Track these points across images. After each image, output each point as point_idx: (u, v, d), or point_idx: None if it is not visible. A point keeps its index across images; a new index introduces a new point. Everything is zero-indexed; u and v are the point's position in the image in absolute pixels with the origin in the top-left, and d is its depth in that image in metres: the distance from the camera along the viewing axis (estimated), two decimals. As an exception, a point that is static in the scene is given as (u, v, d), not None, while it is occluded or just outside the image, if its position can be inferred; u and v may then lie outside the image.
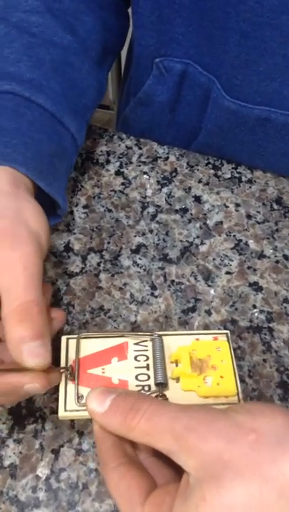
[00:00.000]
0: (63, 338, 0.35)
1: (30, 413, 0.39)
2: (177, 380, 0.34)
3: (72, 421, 0.39)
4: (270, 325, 0.45)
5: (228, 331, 0.36)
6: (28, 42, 0.43)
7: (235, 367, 0.34)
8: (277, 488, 0.23)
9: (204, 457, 0.25)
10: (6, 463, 0.37)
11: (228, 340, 0.36)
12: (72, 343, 0.35)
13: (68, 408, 0.32)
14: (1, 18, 0.44)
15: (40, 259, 0.34)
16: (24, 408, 0.39)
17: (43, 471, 0.37)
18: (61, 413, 0.32)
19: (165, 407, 0.27)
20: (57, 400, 0.39)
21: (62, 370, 0.33)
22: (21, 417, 0.39)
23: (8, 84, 0.40)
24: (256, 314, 0.45)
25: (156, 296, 0.46)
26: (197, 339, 0.36)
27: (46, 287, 0.37)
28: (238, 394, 0.33)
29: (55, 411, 0.39)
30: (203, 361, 0.34)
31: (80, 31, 0.48)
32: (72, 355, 0.34)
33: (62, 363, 0.34)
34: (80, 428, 0.39)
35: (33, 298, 0.31)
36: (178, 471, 0.30)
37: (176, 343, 0.35)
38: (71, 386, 0.33)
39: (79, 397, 0.32)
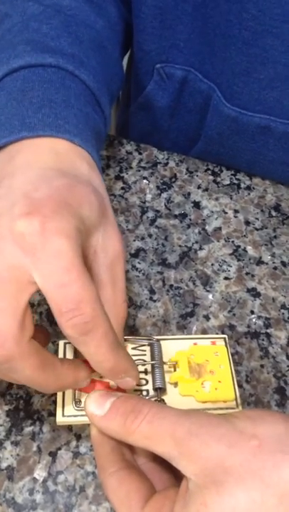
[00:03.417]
0: (61, 343, 0.35)
1: (28, 415, 0.39)
2: (175, 384, 0.34)
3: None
4: (268, 331, 0.45)
5: (225, 336, 0.37)
6: (65, 20, 0.42)
7: (233, 372, 0.34)
8: (278, 494, 0.23)
9: (205, 463, 0.25)
10: (4, 465, 0.37)
11: (226, 345, 0.36)
12: (70, 347, 0.35)
13: (66, 414, 0.32)
14: (33, 1, 0.43)
15: None
16: (22, 410, 0.39)
17: (40, 474, 0.37)
18: (59, 419, 0.32)
19: (166, 411, 0.27)
20: (55, 402, 0.39)
21: None
22: (19, 419, 0.39)
23: (51, 57, 0.38)
24: (254, 320, 0.46)
25: (154, 301, 0.46)
26: (195, 344, 0.36)
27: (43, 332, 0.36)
28: (236, 399, 0.33)
29: (53, 413, 0.39)
30: (201, 366, 0.34)
31: (108, 19, 0.48)
32: None
33: None
34: (78, 431, 0.38)
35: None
36: (177, 477, 0.30)
37: (174, 347, 0.35)
38: (69, 391, 0.32)
39: (77, 402, 0.32)
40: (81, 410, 0.31)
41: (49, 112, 0.35)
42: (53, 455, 0.37)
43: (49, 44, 0.40)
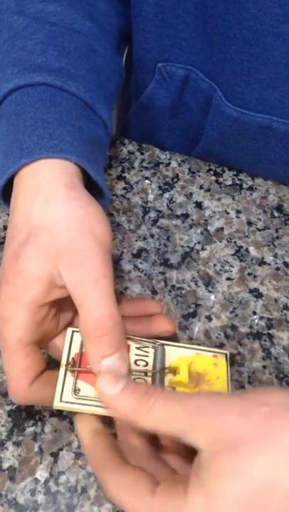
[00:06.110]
0: (69, 330, 0.35)
1: (30, 416, 0.39)
2: (172, 389, 0.34)
3: (71, 424, 0.39)
4: (270, 331, 0.45)
5: (227, 352, 0.37)
6: (50, 31, 0.42)
7: (229, 386, 0.35)
8: None
9: (217, 432, 0.26)
10: (5, 465, 0.37)
11: (226, 360, 0.36)
12: (77, 336, 0.35)
13: (64, 399, 0.32)
14: (18, 12, 0.43)
15: (110, 268, 0.33)
16: (24, 411, 0.39)
17: (42, 474, 0.37)
18: (56, 403, 0.32)
19: (177, 393, 0.29)
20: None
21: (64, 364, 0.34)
22: (21, 419, 0.39)
23: (39, 76, 0.39)
24: (256, 321, 0.46)
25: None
26: (197, 354, 0.36)
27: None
28: None
29: (54, 414, 0.39)
30: (199, 375, 0.35)
31: (97, 17, 0.47)
32: (75, 349, 0.34)
33: (64, 354, 0.34)
34: (80, 432, 0.39)
35: (107, 312, 0.31)
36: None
37: (177, 353, 0.36)
38: (70, 379, 0.33)
39: (76, 390, 0.32)
40: (79, 399, 0.32)
41: (43, 133, 0.36)
42: (55, 456, 0.37)
43: (35, 61, 0.40)
